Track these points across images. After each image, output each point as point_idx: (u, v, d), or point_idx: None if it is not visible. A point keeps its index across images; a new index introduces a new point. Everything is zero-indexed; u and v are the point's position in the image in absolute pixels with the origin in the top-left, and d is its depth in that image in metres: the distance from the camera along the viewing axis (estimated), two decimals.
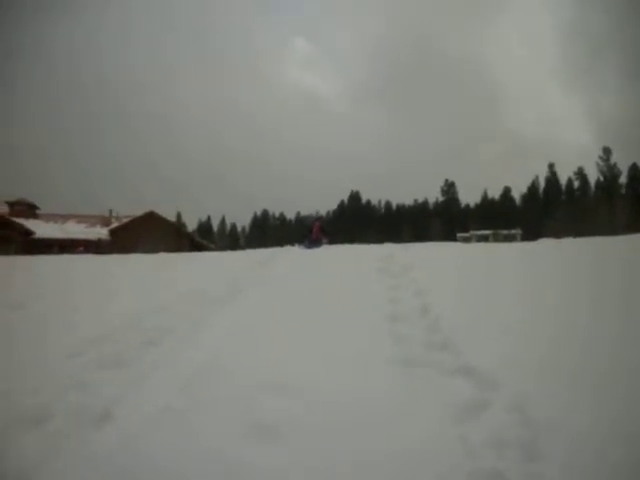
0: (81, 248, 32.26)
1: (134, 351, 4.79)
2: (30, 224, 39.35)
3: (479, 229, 53.54)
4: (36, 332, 5.61)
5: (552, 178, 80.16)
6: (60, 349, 4.92)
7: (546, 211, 56.98)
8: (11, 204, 41.95)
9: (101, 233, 40.41)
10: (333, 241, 17.77)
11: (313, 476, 2.59)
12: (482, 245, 13.82)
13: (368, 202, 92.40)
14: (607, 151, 65.28)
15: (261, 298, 6.67)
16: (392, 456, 2.74)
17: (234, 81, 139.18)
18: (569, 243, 10.85)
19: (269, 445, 2.90)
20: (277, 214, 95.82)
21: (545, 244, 11.39)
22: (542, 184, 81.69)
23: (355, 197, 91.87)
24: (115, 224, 42.22)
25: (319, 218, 19.72)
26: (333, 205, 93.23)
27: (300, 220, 75.32)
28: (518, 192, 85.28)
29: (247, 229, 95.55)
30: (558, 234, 17.01)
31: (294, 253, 12.57)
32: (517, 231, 48.18)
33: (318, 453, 2.78)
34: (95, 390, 3.84)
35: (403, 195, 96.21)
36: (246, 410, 3.32)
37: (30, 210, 42.64)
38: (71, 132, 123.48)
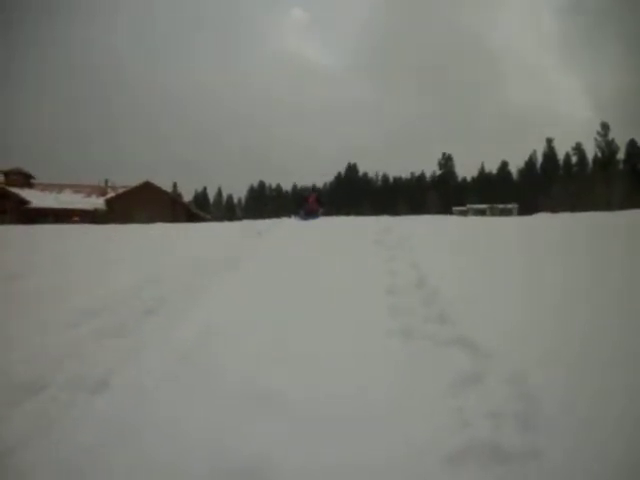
0: (76, 218, 32.21)
1: (133, 321, 4.79)
2: (25, 194, 39.18)
3: (475, 203, 53.41)
4: (34, 302, 5.59)
5: (550, 153, 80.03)
6: (58, 319, 4.91)
7: (543, 186, 56.84)
8: (6, 173, 41.68)
9: (97, 203, 40.28)
10: (328, 213, 17.68)
11: (313, 445, 2.59)
12: (479, 218, 13.76)
13: (365, 174, 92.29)
14: (605, 127, 65.14)
15: (260, 268, 6.65)
16: (390, 423, 2.75)
17: (232, 49, 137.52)
18: (566, 217, 10.81)
19: (269, 415, 2.90)
20: (274, 185, 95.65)
21: (542, 218, 11.36)
22: (540, 159, 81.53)
23: (352, 169, 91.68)
24: (111, 194, 42.07)
25: (316, 189, 19.42)
26: (330, 177, 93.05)
27: (298, 193, 74.97)
28: (515, 167, 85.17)
29: (243, 201, 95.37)
30: (554, 209, 16.99)
31: (291, 224, 12.48)
32: (514, 206, 48.05)
33: (319, 422, 2.79)
34: (92, 360, 3.84)
35: (400, 168, 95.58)
36: (246, 379, 3.33)
37: (25, 179, 42.39)
38: (68, 101, 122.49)
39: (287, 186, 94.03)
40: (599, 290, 4.66)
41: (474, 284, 5.17)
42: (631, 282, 4.78)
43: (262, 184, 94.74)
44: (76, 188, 42.83)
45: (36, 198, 39.27)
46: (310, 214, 15.79)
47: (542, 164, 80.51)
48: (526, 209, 37.37)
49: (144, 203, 36.30)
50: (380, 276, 5.75)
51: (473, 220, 12.78)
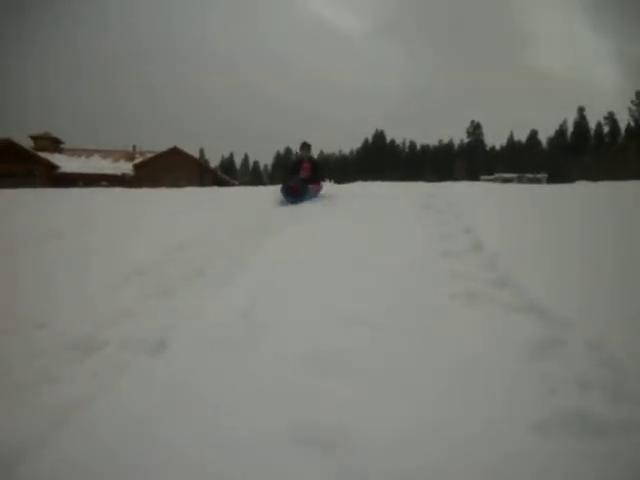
0: (105, 183, 32.23)
1: (180, 282, 4.67)
2: (54, 158, 39.32)
3: (504, 172, 52.65)
4: (77, 262, 5.51)
5: (581, 122, 78.44)
6: (103, 279, 4.82)
7: (574, 156, 55.84)
8: (35, 138, 41.85)
9: (125, 168, 40.32)
10: (353, 178, 15.86)
11: (378, 410, 2.42)
12: (521, 185, 13.47)
13: (392, 142, 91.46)
14: None
15: (301, 235, 6.41)
16: (472, 392, 2.56)
17: (257, 16, 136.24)
18: (607, 185, 10.47)
19: (333, 375, 2.74)
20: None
21: (584, 185, 11.04)
22: (570, 128, 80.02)
23: (379, 136, 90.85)
24: (139, 159, 42.06)
25: (307, 149, 11.17)
26: (357, 144, 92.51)
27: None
28: (545, 135, 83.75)
29: (269, 167, 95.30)
30: (588, 179, 16.53)
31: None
32: (543, 175, 47.21)
33: (388, 387, 2.62)
34: (145, 320, 3.73)
35: (428, 136, 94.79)
36: (309, 339, 3.17)
37: (54, 144, 42.52)
38: (98, 69, 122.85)
39: (314, 151, 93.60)
40: None
41: (532, 249, 4.94)
42: None
43: (288, 151, 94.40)
44: (104, 153, 42.85)
45: (65, 163, 39.41)
46: (295, 192, 9.85)
47: (573, 133, 79.04)
48: (555, 179, 36.69)
49: (172, 168, 36.29)
50: (434, 241, 5.56)
51: (515, 186, 12.51)
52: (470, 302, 3.74)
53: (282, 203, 9.55)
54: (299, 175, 10.36)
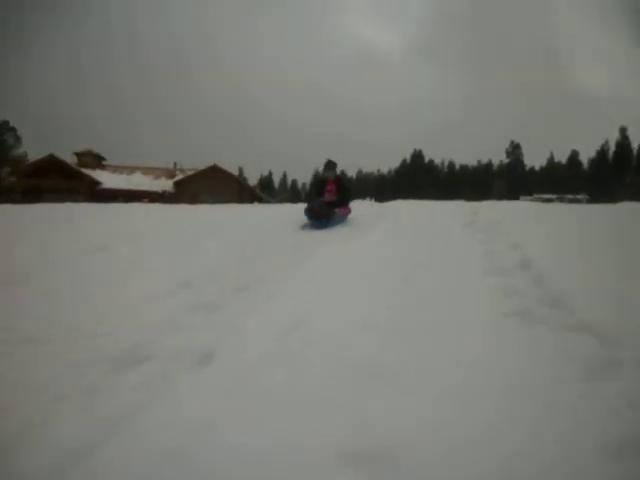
0: (146, 199, 32.76)
1: (224, 296, 4.66)
2: (97, 175, 40.21)
3: (543, 193, 52.03)
4: (122, 274, 5.56)
5: (623, 142, 77.06)
6: (148, 292, 4.84)
7: (616, 176, 54.83)
8: (79, 155, 42.87)
9: (165, 185, 40.98)
10: (393, 198, 15.24)
11: (440, 427, 2.34)
12: (565, 205, 13.24)
13: (431, 161, 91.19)
14: None
15: (343, 252, 6.25)
16: (532, 408, 2.47)
17: (301, 40, 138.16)
18: None
19: (378, 386, 2.72)
20: (338, 171, 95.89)
21: (630, 206, 10.76)
22: (612, 148, 78.70)
23: (418, 156, 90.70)
24: (179, 176, 42.69)
25: (333, 168, 9.70)
26: (395, 164, 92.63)
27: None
28: (586, 156, 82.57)
29: (307, 186, 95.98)
30: (630, 200, 16.14)
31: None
32: (583, 196, 46.59)
33: (444, 403, 2.54)
34: (191, 333, 3.71)
35: (467, 156, 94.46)
36: (347, 351, 3.14)
37: (97, 161, 43.50)
38: (144, 87, 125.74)
39: (351, 172, 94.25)
40: None
41: (582, 269, 4.79)
42: None
43: None
44: (146, 170, 43.62)
45: (107, 179, 40.24)
46: (319, 214, 8.79)
47: (615, 153, 77.66)
48: (597, 200, 36.05)
49: (211, 185, 36.82)
50: (479, 257, 5.46)
51: (560, 206, 12.30)
52: (524, 321, 3.63)
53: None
54: (324, 197, 9.09)
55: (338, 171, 10.08)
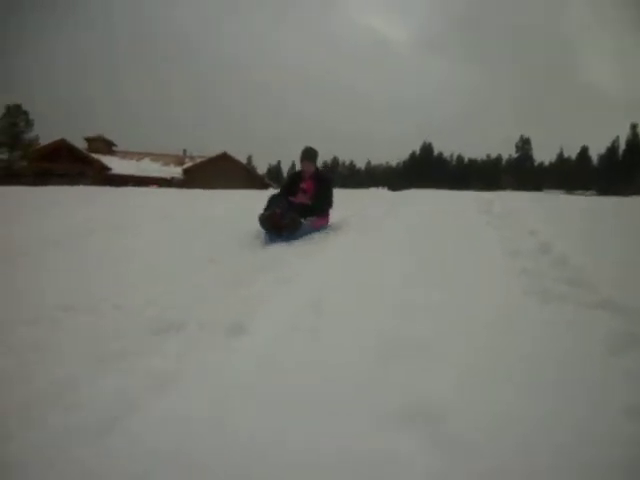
0: (155, 185, 32.85)
1: (252, 273, 4.72)
2: (107, 160, 40.35)
3: (552, 188, 51.90)
4: (145, 252, 5.62)
5: (634, 139, 76.66)
6: (177, 267, 4.94)
7: (625, 173, 54.59)
8: (89, 140, 43.02)
9: (175, 172, 41.10)
10: (403, 188, 14.80)
11: (479, 397, 2.41)
12: (579, 196, 13.27)
13: (440, 154, 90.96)
14: None
15: (356, 238, 6.17)
16: (559, 381, 2.53)
17: (311, 31, 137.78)
18: None
19: (404, 362, 2.72)
20: (347, 162, 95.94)
21: None
22: (622, 145, 78.32)
23: (427, 148, 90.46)
24: (189, 163, 42.78)
25: (312, 156, 6.78)
26: (405, 156, 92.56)
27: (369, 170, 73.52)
28: (596, 152, 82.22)
29: None
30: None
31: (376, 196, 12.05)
32: (592, 192, 46.40)
33: (471, 379, 2.60)
34: (222, 306, 3.77)
35: (476, 150, 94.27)
36: (381, 330, 3.17)
37: (107, 147, 43.68)
38: (154, 75, 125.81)
39: (361, 163, 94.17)
40: None
41: (603, 252, 4.84)
42: None
43: (335, 160, 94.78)
44: (155, 157, 43.76)
45: (117, 165, 40.39)
46: (279, 224, 6.09)
47: (625, 150, 77.26)
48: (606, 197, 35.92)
49: (220, 173, 36.88)
50: (498, 241, 5.52)
51: (575, 197, 12.34)
52: (545, 299, 3.68)
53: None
54: (295, 198, 6.54)
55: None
